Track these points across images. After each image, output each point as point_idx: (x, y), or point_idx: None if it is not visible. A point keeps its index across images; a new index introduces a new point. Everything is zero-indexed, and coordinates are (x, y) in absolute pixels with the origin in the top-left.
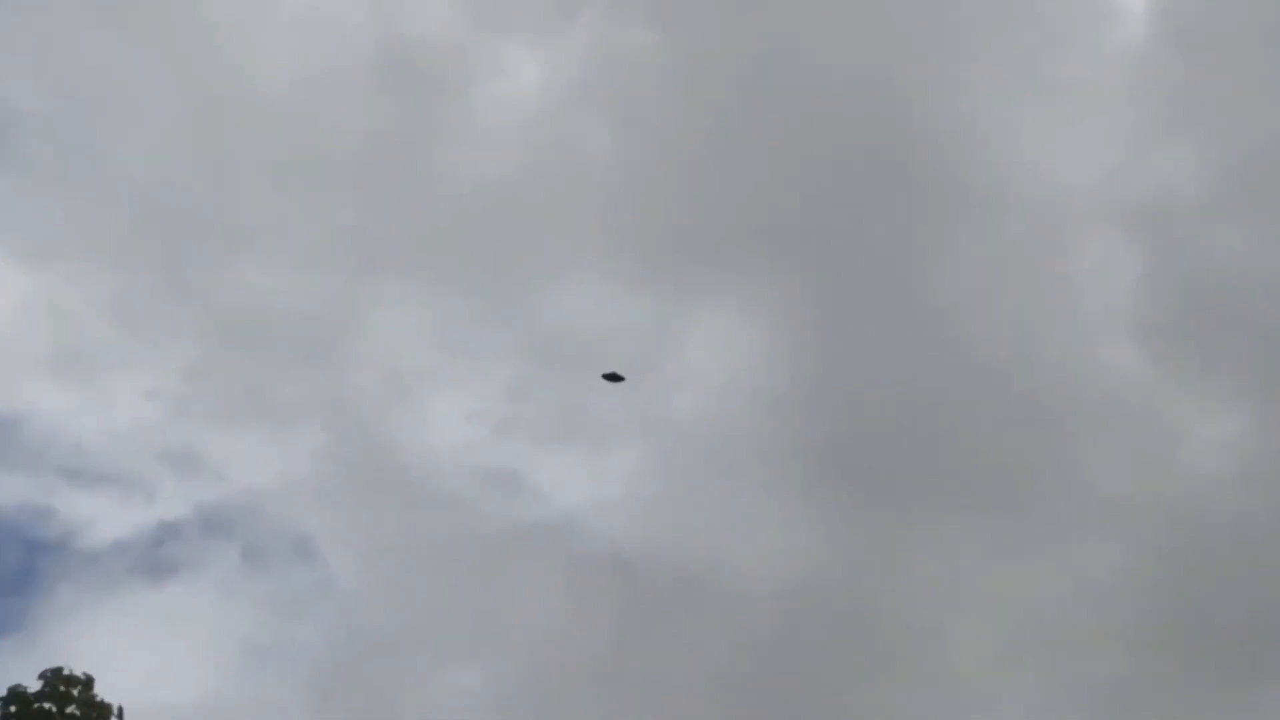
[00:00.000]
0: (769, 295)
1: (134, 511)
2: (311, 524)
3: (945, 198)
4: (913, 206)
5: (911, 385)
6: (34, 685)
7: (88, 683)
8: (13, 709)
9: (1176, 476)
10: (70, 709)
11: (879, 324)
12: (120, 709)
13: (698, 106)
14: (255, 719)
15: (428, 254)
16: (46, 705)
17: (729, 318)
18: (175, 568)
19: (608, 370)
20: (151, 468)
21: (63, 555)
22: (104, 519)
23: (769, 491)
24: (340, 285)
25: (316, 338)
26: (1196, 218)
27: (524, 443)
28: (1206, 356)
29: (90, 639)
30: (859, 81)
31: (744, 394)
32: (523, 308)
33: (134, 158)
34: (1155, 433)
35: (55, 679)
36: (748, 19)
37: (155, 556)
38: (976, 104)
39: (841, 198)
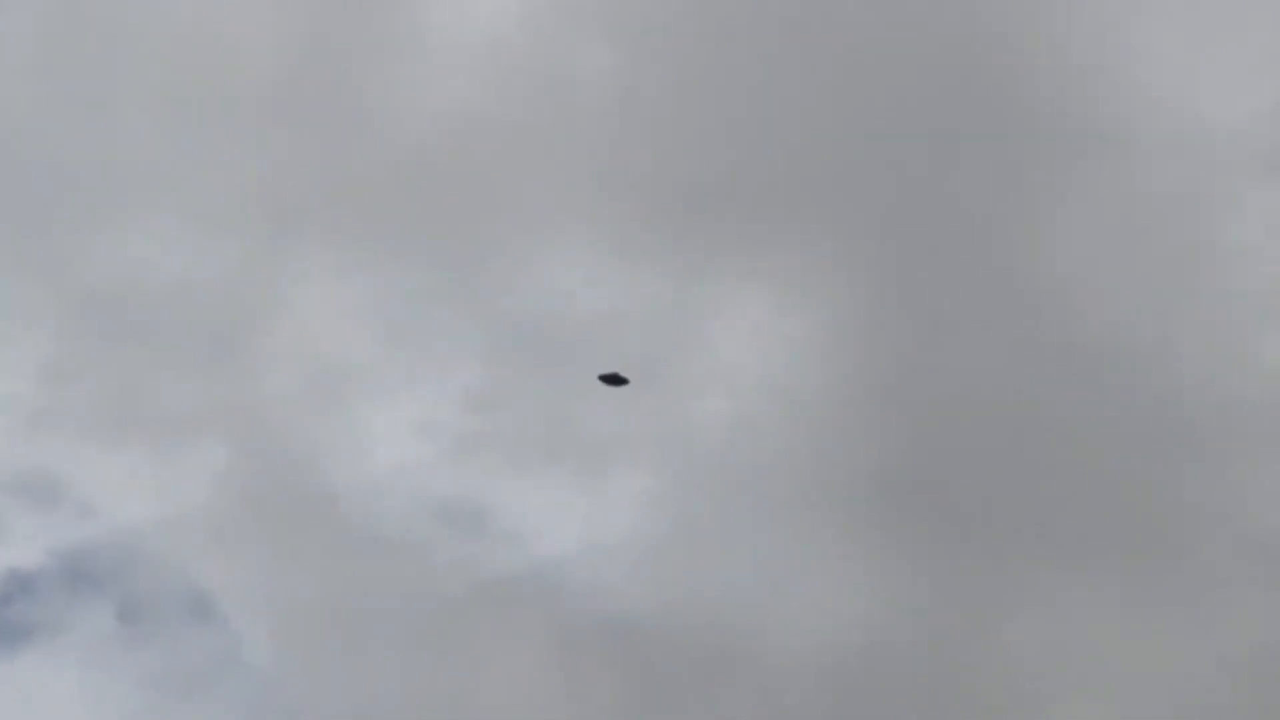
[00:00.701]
0: (821, 270)
1: None
2: (211, 575)
3: (1057, 141)
4: (1014, 153)
5: (1011, 391)
6: None
7: None
8: None
9: None
10: None
11: (967, 308)
12: None
13: (727, 16)
14: None
15: (366, 212)
16: None
17: (768, 300)
18: (29, 632)
19: (606, 370)
20: None
21: None
22: None
23: (821, 532)
24: (248, 254)
25: (216, 325)
26: None
27: (494, 467)
28: None
29: None
30: None
31: (788, 402)
32: (493, 286)
33: None
34: None
35: None
36: None
37: (3, 617)
38: (1101, 18)
39: (918, 140)
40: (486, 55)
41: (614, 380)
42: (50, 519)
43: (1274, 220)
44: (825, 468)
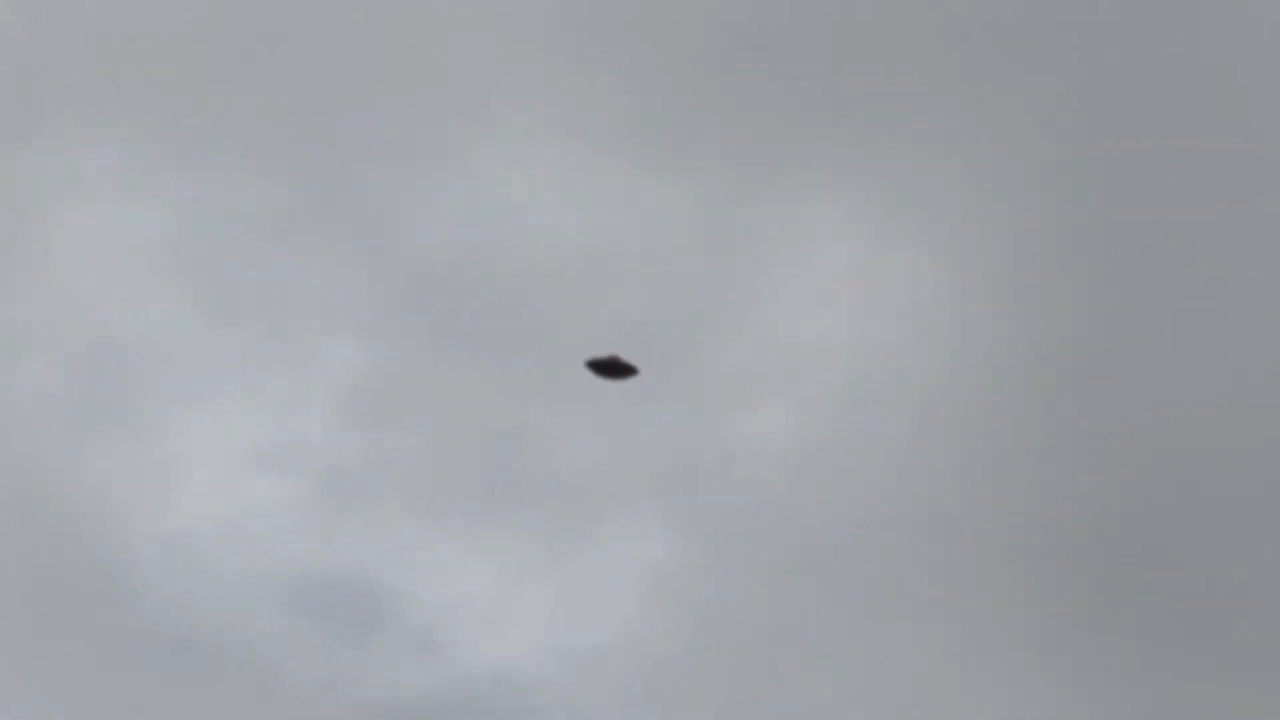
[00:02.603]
0: (966, 180)
1: None
2: None
3: None
4: None
5: None
6: None
7: None
8: None
9: None
10: None
11: (1224, 258)
12: None
13: None
14: None
15: (166, 84)
16: None
17: (871, 232)
18: None
19: (597, 355)
20: None
21: None
22: None
23: (965, 637)
24: None
25: None
26: None
27: (393, 523)
28: None
29: None
30: None
31: (904, 414)
32: (389, 207)
33: None
34: None
35: None
36: None
37: None
38: None
39: None
40: None
41: (611, 370)
42: None
43: None
44: (972, 527)
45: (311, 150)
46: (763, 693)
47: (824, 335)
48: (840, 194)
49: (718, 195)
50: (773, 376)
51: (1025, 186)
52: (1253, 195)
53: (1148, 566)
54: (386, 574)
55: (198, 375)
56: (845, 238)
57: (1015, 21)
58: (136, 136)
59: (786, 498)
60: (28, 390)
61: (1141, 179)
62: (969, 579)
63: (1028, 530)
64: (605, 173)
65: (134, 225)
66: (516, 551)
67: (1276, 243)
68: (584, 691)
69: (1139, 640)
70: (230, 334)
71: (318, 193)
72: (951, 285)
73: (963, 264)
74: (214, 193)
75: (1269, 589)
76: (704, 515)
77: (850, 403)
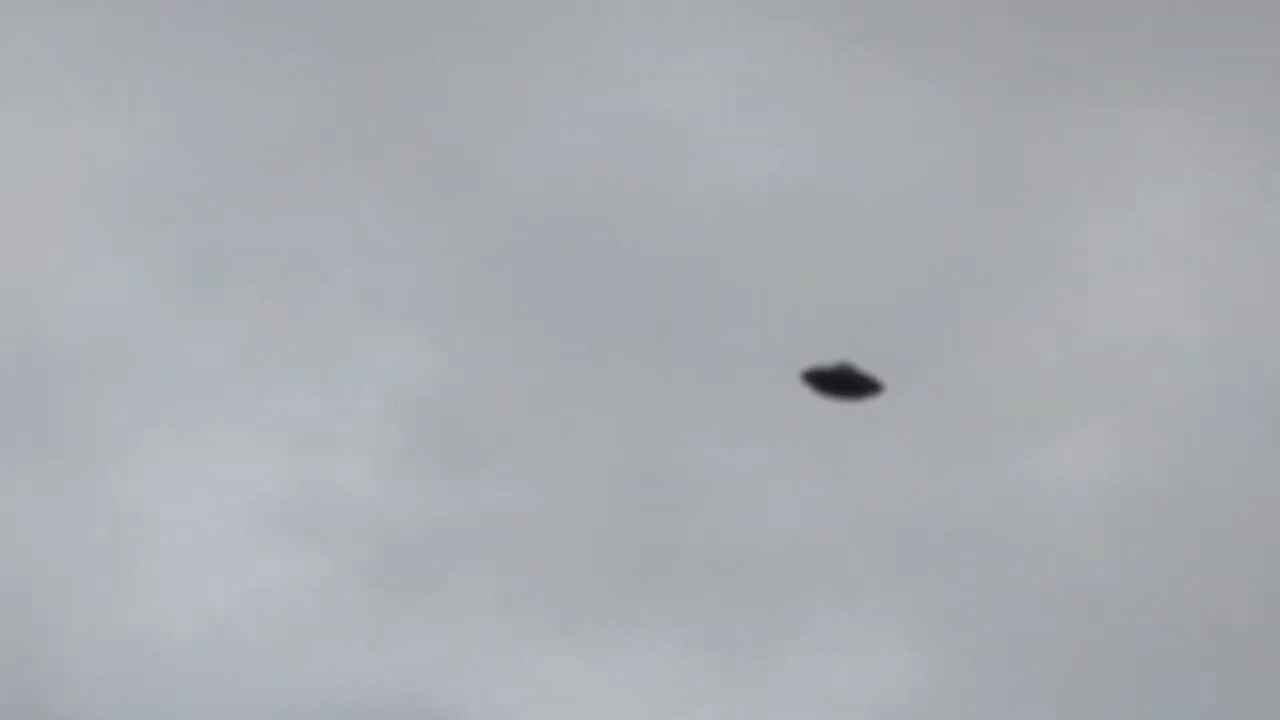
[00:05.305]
0: None
1: None
2: None
3: None
4: None
5: None
6: None
7: None
8: None
9: None
10: None
11: None
12: None
13: None
14: None
15: None
16: None
17: (1229, 159)
18: None
19: (816, 360)
20: None
21: None
22: None
23: None
24: None
25: None
26: None
27: (471, 613)
28: None
29: None
30: None
31: None
32: (475, 119)
33: None
34: None
35: None
36: None
37: None
38: None
39: None
40: None
41: (842, 384)
42: None
43: None
44: None
45: (351, 39)
46: None
47: (1165, 325)
48: (1194, 106)
49: (998, 107)
50: (1085, 388)
51: None
52: None
53: None
54: (463, 699)
55: (171, 389)
56: (1200, 174)
57: None
58: (83, 21)
59: (1104, 571)
60: None
61: None
62: None
63: None
64: (818, 74)
65: (76, 154)
66: (668, 666)
67: None
68: None
69: None
70: (223, 325)
71: (361, 104)
72: None
73: None
74: (198, 105)
75: None
76: (973, 603)
77: (1206, 426)
